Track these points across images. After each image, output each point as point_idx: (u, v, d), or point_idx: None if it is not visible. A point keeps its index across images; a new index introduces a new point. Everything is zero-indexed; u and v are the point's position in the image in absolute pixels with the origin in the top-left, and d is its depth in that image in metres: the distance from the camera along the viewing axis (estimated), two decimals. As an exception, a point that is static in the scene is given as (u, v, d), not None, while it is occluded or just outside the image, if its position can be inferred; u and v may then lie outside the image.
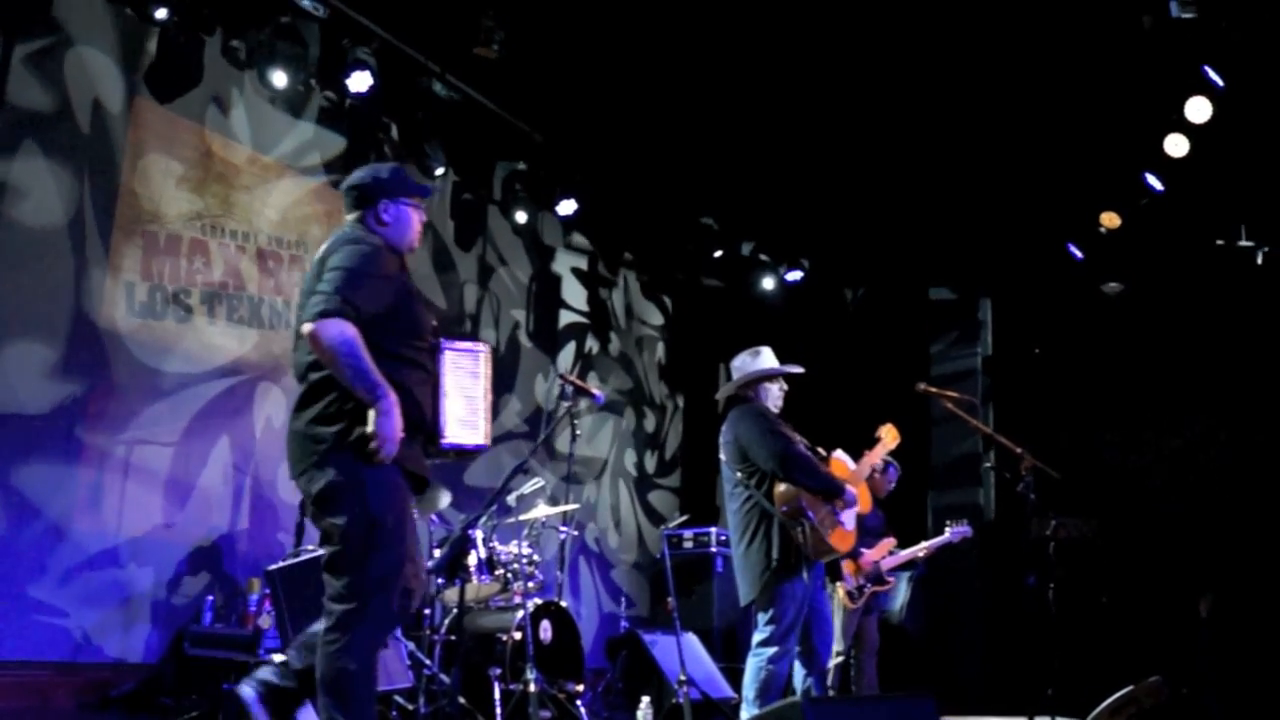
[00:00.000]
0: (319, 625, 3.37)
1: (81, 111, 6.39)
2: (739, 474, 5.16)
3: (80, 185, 6.34)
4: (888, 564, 6.67)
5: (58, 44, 6.29)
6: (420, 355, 3.51)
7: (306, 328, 3.27)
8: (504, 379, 8.79)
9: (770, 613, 4.98)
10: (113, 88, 6.55)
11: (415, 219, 3.67)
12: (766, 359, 5.35)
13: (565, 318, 9.65)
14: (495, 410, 8.17)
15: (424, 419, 3.48)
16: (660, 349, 10.72)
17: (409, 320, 3.48)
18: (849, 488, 5.19)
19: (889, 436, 5.55)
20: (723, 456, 5.28)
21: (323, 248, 3.50)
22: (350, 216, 3.63)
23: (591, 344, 9.86)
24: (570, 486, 6.89)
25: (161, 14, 6.50)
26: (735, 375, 5.37)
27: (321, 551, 5.32)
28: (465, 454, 3.65)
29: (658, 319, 10.75)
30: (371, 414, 3.25)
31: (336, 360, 3.23)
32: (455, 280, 8.57)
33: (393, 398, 3.26)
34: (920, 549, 6.90)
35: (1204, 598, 7.66)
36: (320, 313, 3.24)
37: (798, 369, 5.37)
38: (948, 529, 6.99)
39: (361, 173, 3.70)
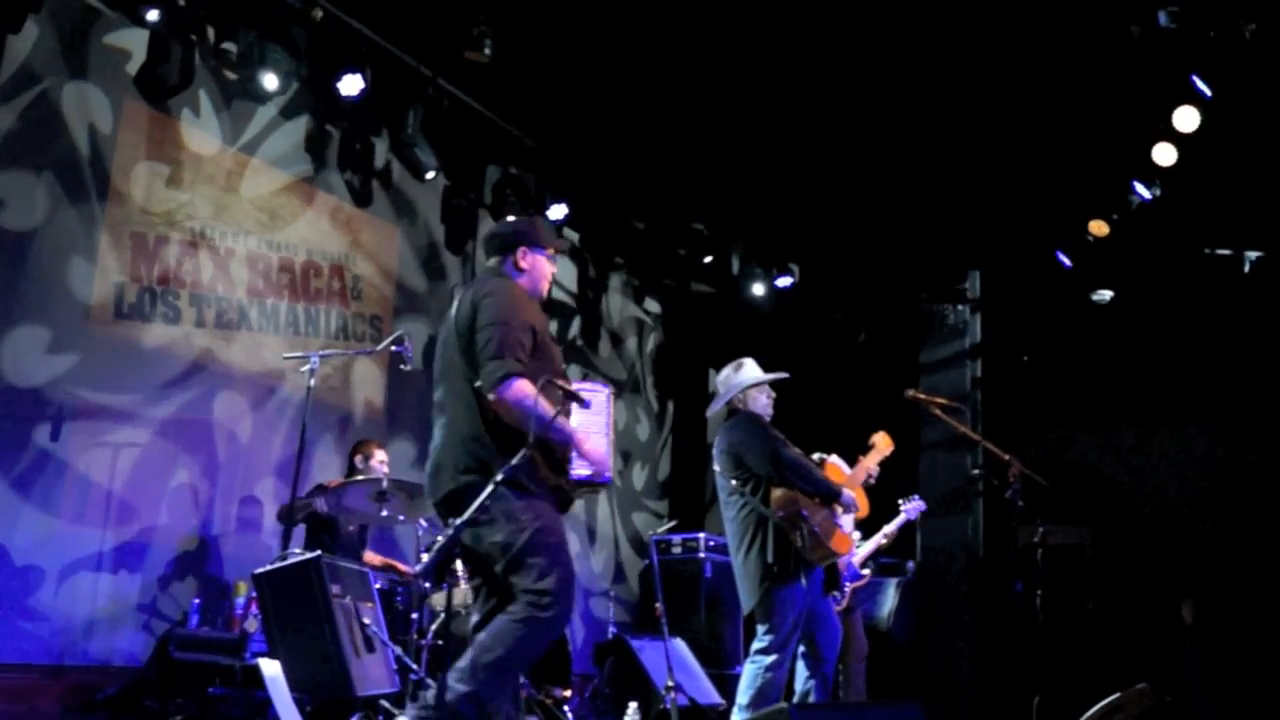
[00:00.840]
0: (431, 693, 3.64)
1: (79, 134, 6.38)
2: (734, 482, 5.15)
3: (71, 188, 6.31)
4: (858, 558, 6.69)
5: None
6: (555, 391, 3.74)
7: (492, 398, 3.59)
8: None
9: (769, 620, 4.97)
10: (101, 109, 6.50)
11: (549, 268, 4.04)
12: (750, 370, 5.35)
13: (554, 301, 9.59)
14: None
15: (556, 452, 3.75)
16: (651, 347, 10.71)
17: (548, 359, 3.81)
18: (846, 490, 5.19)
19: (883, 443, 5.55)
20: (716, 467, 5.28)
21: (469, 295, 3.79)
22: (490, 262, 4.02)
23: (581, 342, 9.83)
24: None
25: (153, 16, 6.47)
26: (721, 390, 5.37)
27: (308, 556, 5.37)
28: (594, 488, 3.86)
29: (648, 322, 10.74)
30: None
31: (525, 420, 3.54)
32: (445, 283, 8.55)
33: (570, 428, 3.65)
34: (882, 536, 6.88)
35: (1185, 603, 7.67)
36: (502, 377, 3.57)
37: (782, 375, 5.36)
38: (902, 508, 6.98)
39: (503, 224, 4.19)
